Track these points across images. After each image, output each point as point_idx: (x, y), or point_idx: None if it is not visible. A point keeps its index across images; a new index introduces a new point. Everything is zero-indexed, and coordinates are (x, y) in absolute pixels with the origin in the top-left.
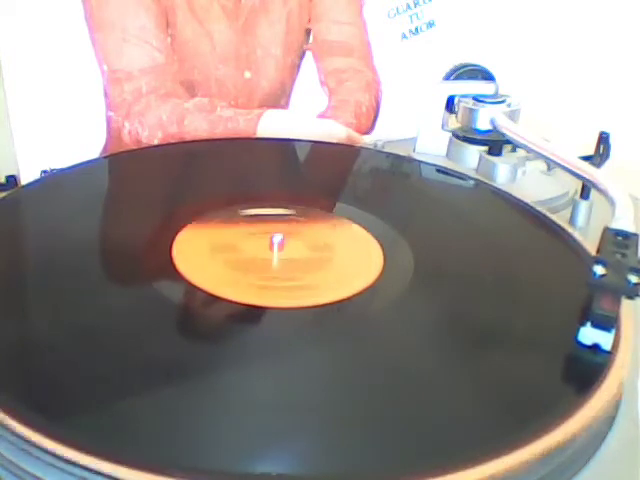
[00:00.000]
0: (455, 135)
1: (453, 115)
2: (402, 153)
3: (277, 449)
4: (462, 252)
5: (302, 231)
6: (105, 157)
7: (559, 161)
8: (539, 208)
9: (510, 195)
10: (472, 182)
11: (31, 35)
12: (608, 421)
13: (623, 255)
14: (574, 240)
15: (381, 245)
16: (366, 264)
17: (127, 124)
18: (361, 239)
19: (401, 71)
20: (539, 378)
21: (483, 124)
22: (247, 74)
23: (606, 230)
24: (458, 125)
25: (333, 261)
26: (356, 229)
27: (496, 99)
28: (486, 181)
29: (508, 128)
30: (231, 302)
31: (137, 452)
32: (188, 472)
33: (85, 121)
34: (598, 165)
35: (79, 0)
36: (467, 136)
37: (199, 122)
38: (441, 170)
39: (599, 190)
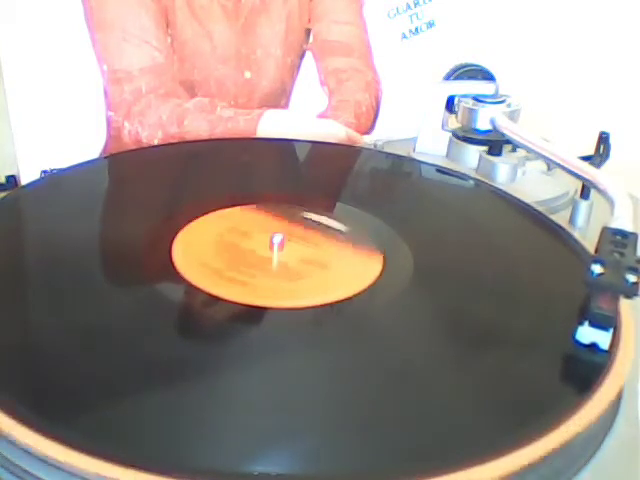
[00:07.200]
0: (455, 135)
1: (453, 115)
2: (402, 153)
3: (277, 449)
4: (462, 252)
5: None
6: (105, 157)
7: (559, 161)
8: (539, 208)
9: (510, 195)
10: (472, 182)
11: (31, 35)
12: (608, 421)
13: (621, 254)
14: (573, 240)
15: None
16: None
17: (127, 124)
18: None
19: (401, 71)
20: (538, 378)
21: (483, 124)
22: (247, 74)
23: (605, 229)
24: (458, 125)
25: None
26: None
27: (496, 99)
28: (486, 181)
29: (508, 128)
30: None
31: (137, 452)
32: (188, 472)
33: (85, 121)
34: (598, 165)
35: (79, 0)
36: (467, 136)
37: (199, 122)
38: (441, 170)
39: (599, 190)
